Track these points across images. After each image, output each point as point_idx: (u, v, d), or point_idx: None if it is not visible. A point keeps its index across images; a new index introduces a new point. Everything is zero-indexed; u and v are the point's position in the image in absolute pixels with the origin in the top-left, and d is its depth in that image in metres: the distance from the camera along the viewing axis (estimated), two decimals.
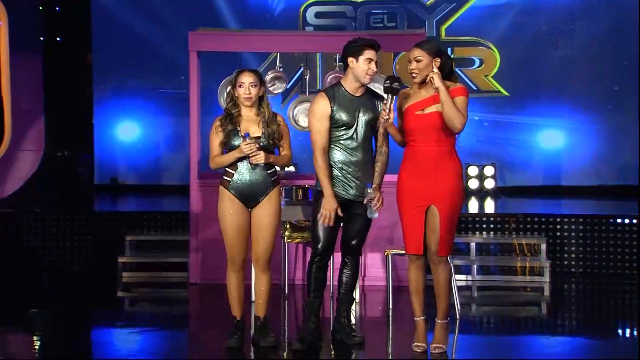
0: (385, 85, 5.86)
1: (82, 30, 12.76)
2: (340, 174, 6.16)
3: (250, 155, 6.03)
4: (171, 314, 7.90)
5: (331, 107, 6.12)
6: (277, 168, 6.37)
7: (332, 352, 6.38)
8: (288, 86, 11.58)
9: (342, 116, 6.12)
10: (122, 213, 10.00)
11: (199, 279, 8.60)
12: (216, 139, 6.18)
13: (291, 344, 6.29)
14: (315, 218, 6.19)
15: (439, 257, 5.96)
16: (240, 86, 6.12)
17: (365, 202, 6.09)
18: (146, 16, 12.87)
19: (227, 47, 9.12)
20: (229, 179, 6.16)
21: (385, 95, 5.90)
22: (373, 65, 6.08)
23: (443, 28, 12.86)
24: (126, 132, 13.09)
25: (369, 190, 6.09)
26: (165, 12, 12.85)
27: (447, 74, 5.94)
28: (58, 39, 12.50)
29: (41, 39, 12.09)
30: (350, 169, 6.16)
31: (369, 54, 6.06)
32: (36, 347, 6.72)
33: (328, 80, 10.10)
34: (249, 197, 6.15)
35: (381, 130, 6.07)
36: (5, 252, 9.38)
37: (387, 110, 5.83)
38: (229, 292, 6.27)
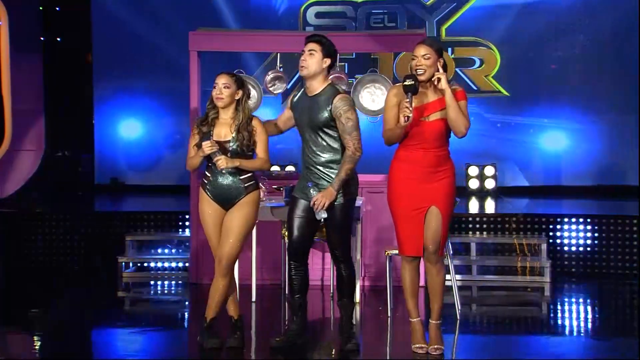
0: (405, 83, 5.82)
1: (83, 30, 12.76)
2: (305, 177, 6.22)
3: (212, 157, 6.03)
4: (171, 314, 7.90)
5: (291, 106, 6.30)
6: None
7: (333, 352, 6.39)
8: (289, 86, 11.55)
9: (295, 117, 6.24)
10: (123, 213, 9.99)
11: (199, 279, 8.60)
12: (192, 141, 6.20)
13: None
14: (290, 220, 6.24)
15: (438, 257, 5.96)
16: (214, 87, 6.15)
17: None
18: (146, 16, 12.86)
19: (227, 47, 9.12)
20: (206, 181, 6.18)
21: (406, 95, 5.82)
22: (305, 57, 6.13)
23: (443, 28, 12.85)
24: (126, 132, 13.08)
25: (311, 191, 6.09)
26: (165, 12, 12.84)
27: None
28: (58, 38, 12.50)
29: (41, 38, 12.09)
30: (306, 171, 6.21)
31: (305, 47, 6.17)
32: (36, 347, 6.72)
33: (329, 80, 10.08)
34: (224, 200, 6.14)
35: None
36: (5, 252, 9.38)
37: (411, 109, 5.78)
38: (211, 294, 6.18)
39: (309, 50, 6.12)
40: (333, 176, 6.09)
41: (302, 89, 6.30)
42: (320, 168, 6.13)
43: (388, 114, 5.96)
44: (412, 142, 5.91)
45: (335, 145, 6.12)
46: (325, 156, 6.13)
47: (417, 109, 5.86)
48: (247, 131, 6.10)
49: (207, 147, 6.02)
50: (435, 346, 6.03)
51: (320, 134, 6.11)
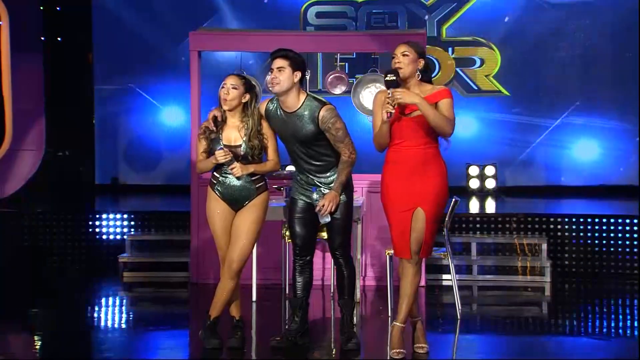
0: (386, 79, 5.79)
1: (83, 30, 12.76)
2: (300, 180, 6.23)
3: (226, 165, 6.04)
4: (172, 314, 7.90)
5: (266, 115, 6.17)
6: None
7: (334, 351, 6.39)
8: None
9: (278, 131, 6.17)
10: (123, 213, 9.99)
11: (200, 279, 8.61)
12: (200, 145, 6.19)
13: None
14: (290, 221, 6.25)
15: (419, 259, 5.93)
16: (222, 87, 6.10)
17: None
18: (147, 16, 12.87)
19: (227, 47, 9.14)
20: (215, 182, 6.17)
21: (387, 90, 5.80)
22: (275, 74, 6.01)
23: (444, 28, 12.85)
24: (127, 131, 13.09)
25: (314, 196, 6.12)
26: (166, 12, 12.84)
27: (429, 78, 5.96)
28: (59, 38, 12.50)
29: (42, 38, 12.09)
30: (301, 177, 6.22)
31: (272, 64, 6.06)
32: (36, 347, 6.72)
33: (329, 80, 10.10)
34: (233, 201, 6.14)
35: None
36: (5, 252, 9.38)
37: (394, 105, 5.75)
38: (218, 294, 6.18)
39: (278, 67, 6.02)
40: (331, 180, 6.13)
41: (277, 102, 6.18)
42: (318, 175, 6.17)
43: (376, 116, 5.94)
44: (398, 141, 5.88)
45: (328, 151, 6.13)
46: (320, 164, 6.15)
47: (399, 106, 5.80)
48: (257, 139, 6.08)
49: (221, 156, 6.00)
50: (398, 350, 5.91)
51: (311, 147, 6.12)
